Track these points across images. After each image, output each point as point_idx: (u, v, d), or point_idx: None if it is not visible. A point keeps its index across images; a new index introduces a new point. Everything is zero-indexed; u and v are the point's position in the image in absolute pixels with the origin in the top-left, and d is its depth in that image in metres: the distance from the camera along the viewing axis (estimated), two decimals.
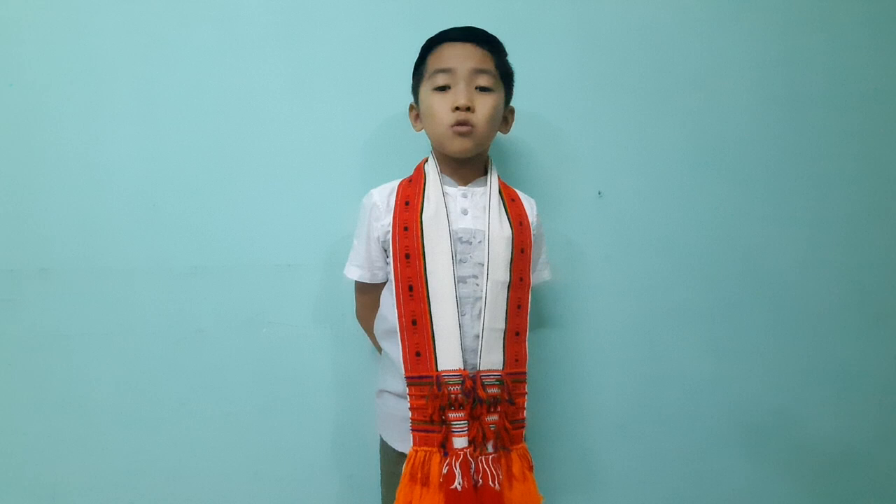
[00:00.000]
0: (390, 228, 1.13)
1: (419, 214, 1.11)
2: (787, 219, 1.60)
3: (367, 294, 1.26)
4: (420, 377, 1.06)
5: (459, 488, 1.00)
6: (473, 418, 1.04)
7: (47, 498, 1.34)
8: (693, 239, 1.55)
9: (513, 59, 1.20)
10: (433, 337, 1.07)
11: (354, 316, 1.33)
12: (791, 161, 1.60)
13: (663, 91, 1.54)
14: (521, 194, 1.23)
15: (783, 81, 1.60)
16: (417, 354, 1.07)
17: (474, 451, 1.04)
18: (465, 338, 1.08)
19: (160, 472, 1.37)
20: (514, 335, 1.12)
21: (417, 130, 1.23)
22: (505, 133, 1.25)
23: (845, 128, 1.63)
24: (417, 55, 1.19)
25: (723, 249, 1.57)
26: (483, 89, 1.13)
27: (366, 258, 1.19)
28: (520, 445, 1.11)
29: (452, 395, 1.04)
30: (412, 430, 1.07)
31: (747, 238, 1.58)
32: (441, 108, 1.12)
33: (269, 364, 1.39)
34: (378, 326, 1.22)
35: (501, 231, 1.13)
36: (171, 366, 1.36)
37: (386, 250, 1.16)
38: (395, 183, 1.19)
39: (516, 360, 1.12)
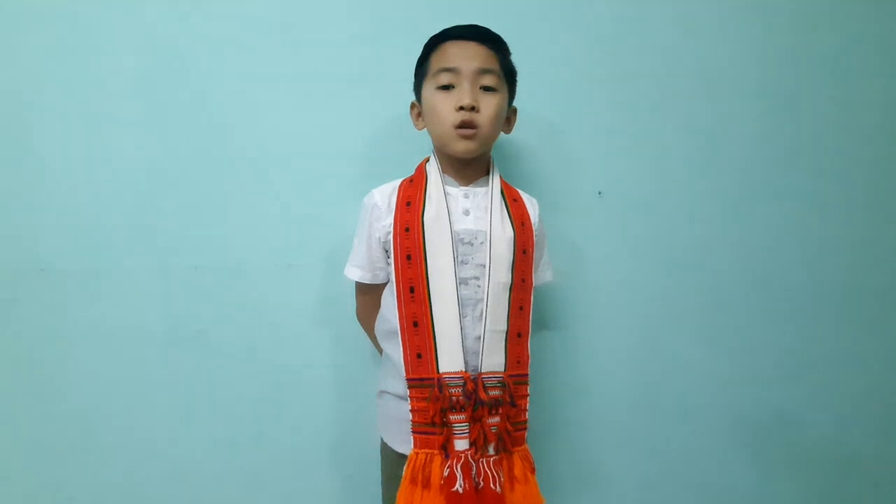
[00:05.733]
0: (391, 229, 1.12)
1: (420, 215, 1.11)
2: (787, 218, 1.60)
3: (368, 295, 1.25)
4: (421, 379, 1.06)
5: (461, 490, 1.00)
6: (475, 420, 1.04)
7: (47, 498, 1.34)
8: (693, 239, 1.55)
9: (514, 58, 1.20)
10: (434, 339, 1.06)
11: (355, 316, 1.33)
12: (791, 160, 1.60)
13: (664, 91, 1.54)
14: (523, 194, 1.23)
15: (784, 81, 1.60)
16: (419, 356, 1.07)
17: (475, 453, 1.04)
18: (466, 339, 1.07)
19: (160, 471, 1.36)
20: (516, 337, 1.12)
21: (419, 129, 1.22)
22: (507, 133, 1.24)
23: (846, 128, 1.63)
24: (420, 53, 1.19)
25: (723, 249, 1.57)
26: (487, 89, 1.12)
27: (366, 258, 1.19)
28: (521, 447, 1.11)
29: (454, 398, 1.04)
30: (413, 432, 1.06)
31: (748, 238, 1.58)
32: (445, 107, 1.11)
33: (269, 364, 1.39)
34: (379, 327, 1.22)
35: (503, 232, 1.13)
36: (171, 366, 1.36)
37: (387, 251, 1.15)
38: (396, 183, 1.19)
39: (518, 362, 1.11)
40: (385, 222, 1.14)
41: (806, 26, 1.60)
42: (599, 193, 1.51)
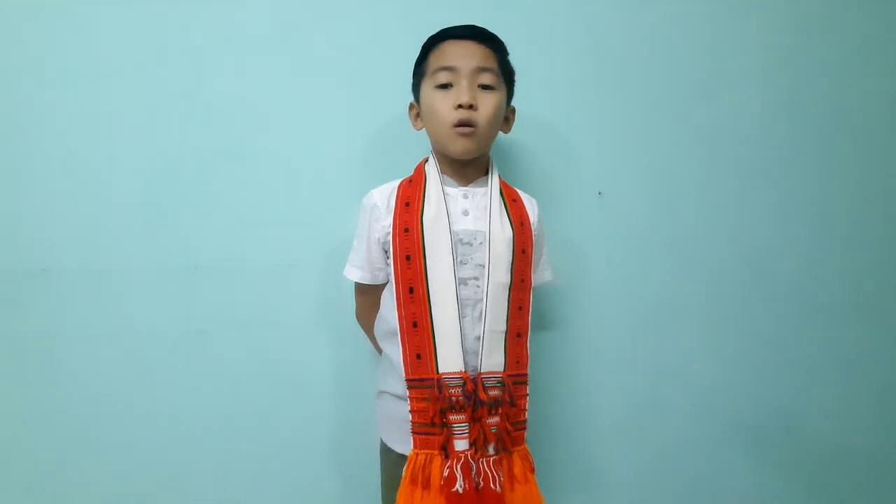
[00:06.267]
0: (391, 230, 1.12)
1: (419, 216, 1.11)
2: (787, 219, 1.60)
3: (368, 295, 1.25)
4: (420, 380, 1.06)
5: (461, 491, 1.00)
6: (474, 420, 1.04)
7: (47, 498, 1.34)
8: (693, 239, 1.55)
9: (513, 58, 1.20)
10: (434, 339, 1.06)
11: (354, 317, 1.33)
12: (792, 161, 1.60)
13: (664, 91, 1.54)
14: (522, 194, 1.23)
15: (784, 82, 1.60)
16: (418, 357, 1.07)
17: (475, 453, 1.03)
18: (465, 340, 1.07)
19: (160, 472, 1.37)
20: (516, 337, 1.12)
21: (418, 129, 1.22)
22: (506, 132, 1.24)
23: (847, 128, 1.63)
24: (418, 53, 1.19)
25: (723, 249, 1.57)
26: (485, 87, 1.12)
27: (366, 259, 1.19)
28: (521, 447, 1.11)
29: (453, 398, 1.03)
30: (413, 432, 1.06)
31: (748, 238, 1.58)
32: (443, 106, 1.11)
33: (269, 364, 1.39)
34: (378, 328, 1.22)
35: (502, 232, 1.13)
36: (171, 366, 1.36)
37: (386, 251, 1.15)
38: (396, 183, 1.19)
39: (517, 362, 1.11)
40: (384, 223, 1.14)
41: (805, 26, 1.60)
42: (599, 193, 1.51)
